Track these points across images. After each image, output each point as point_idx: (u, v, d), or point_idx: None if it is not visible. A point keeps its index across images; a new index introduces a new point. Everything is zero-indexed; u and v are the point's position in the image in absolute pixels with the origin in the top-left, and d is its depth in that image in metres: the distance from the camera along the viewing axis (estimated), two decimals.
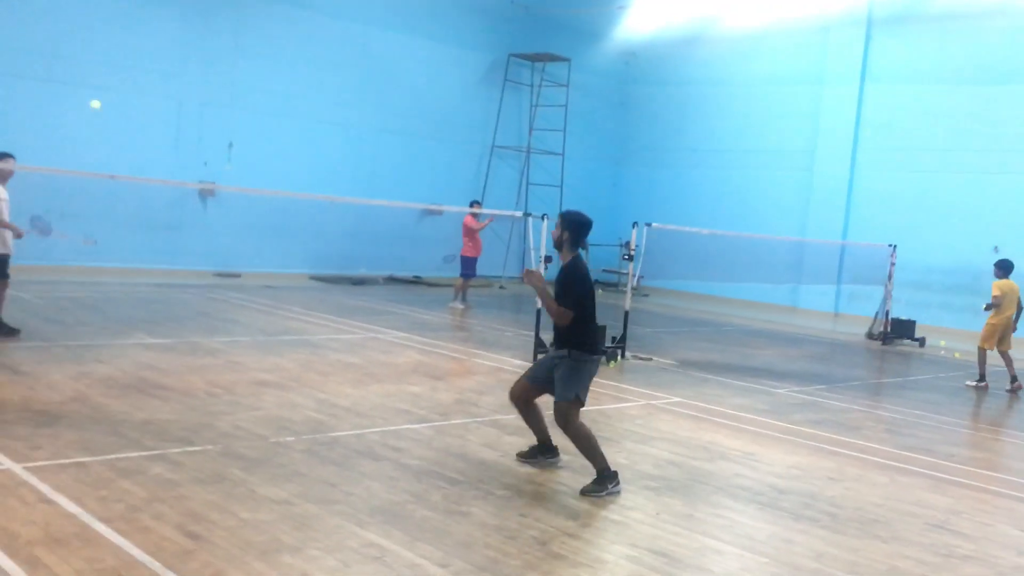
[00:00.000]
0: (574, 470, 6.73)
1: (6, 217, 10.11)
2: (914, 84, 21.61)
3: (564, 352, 6.38)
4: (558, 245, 6.59)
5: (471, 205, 18.85)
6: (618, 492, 6.17)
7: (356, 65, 21.74)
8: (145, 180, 16.12)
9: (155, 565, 4.40)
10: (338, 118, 21.50)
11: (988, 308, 12.56)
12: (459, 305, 17.29)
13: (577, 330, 6.34)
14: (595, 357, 6.47)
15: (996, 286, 12.45)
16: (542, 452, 6.80)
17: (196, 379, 8.84)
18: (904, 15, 21.87)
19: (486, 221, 18.37)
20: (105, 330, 11.43)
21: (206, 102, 19.34)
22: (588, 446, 6.29)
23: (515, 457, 6.82)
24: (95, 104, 15.29)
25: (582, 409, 6.44)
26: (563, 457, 6.81)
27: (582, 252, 6.55)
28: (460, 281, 17.66)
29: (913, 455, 8.21)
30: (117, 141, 17.76)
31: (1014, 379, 12.43)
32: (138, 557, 4.48)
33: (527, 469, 6.67)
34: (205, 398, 8.07)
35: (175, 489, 5.55)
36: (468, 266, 17.72)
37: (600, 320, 12.47)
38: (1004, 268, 12.56)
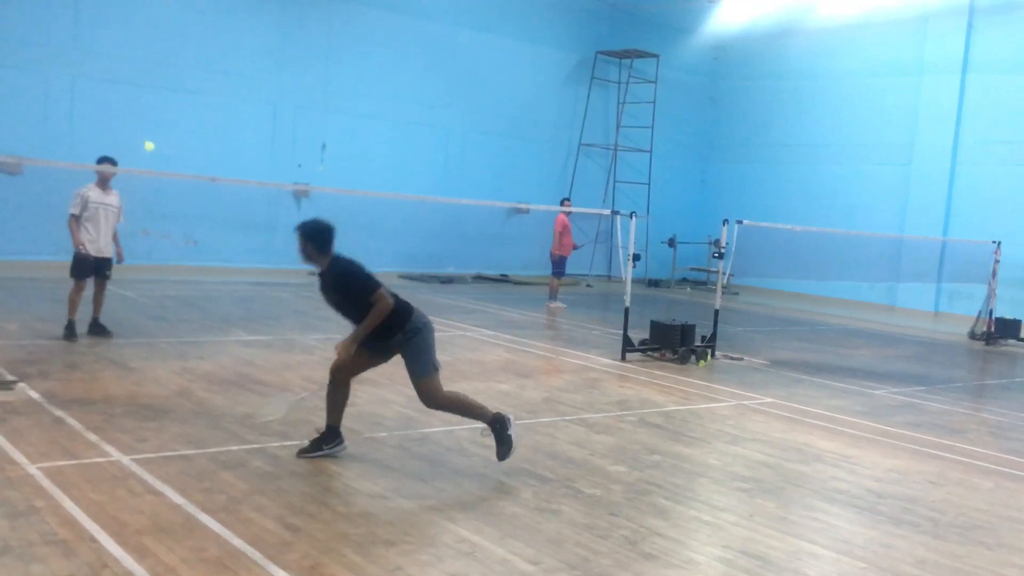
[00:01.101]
0: (664, 470, 6.68)
1: (112, 222, 10.40)
2: (1018, 74, 20.71)
3: (399, 337, 6.17)
4: (310, 259, 6.44)
5: (562, 203, 18.92)
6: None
7: (445, 66, 22.00)
8: (243, 182, 16.67)
9: (256, 555, 4.54)
10: (427, 119, 21.78)
11: None
12: (560, 304, 17.39)
13: (393, 312, 6.14)
14: (425, 323, 6.27)
15: None
16: (330, 439, 6.37)
17: (292, 375, 9.08)
18: (1008, 2, 20.98)
19: (580, 244, 18.90)
20: (206, 327, 11.84)
21: (300, 105, 19.85)
22: (464, 406, 6.31)
23: (296, 455, 6.31)
24: (149, 146, 15.63)
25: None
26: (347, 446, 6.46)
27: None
28: (554, 280, 17.76)
29: (1019, 459, 7.89)
30: (215, 144, 18.38)
31: None
32: (240, 547, 4.63)
33: (617, 468, 6.65)
34: (301, 394, 8.27)
35: (274, 482, 5.72)
36: (559, 265, 17.80)
37: (690, 319, 12.46)
38: None
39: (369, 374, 9.34)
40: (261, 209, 19.08)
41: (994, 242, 17.16)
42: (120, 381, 8.32)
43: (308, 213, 21.70)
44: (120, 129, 16.99)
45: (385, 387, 8.86)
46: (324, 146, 20.07)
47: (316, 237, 6.38)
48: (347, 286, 6.22)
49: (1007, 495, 6.76)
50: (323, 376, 9.09)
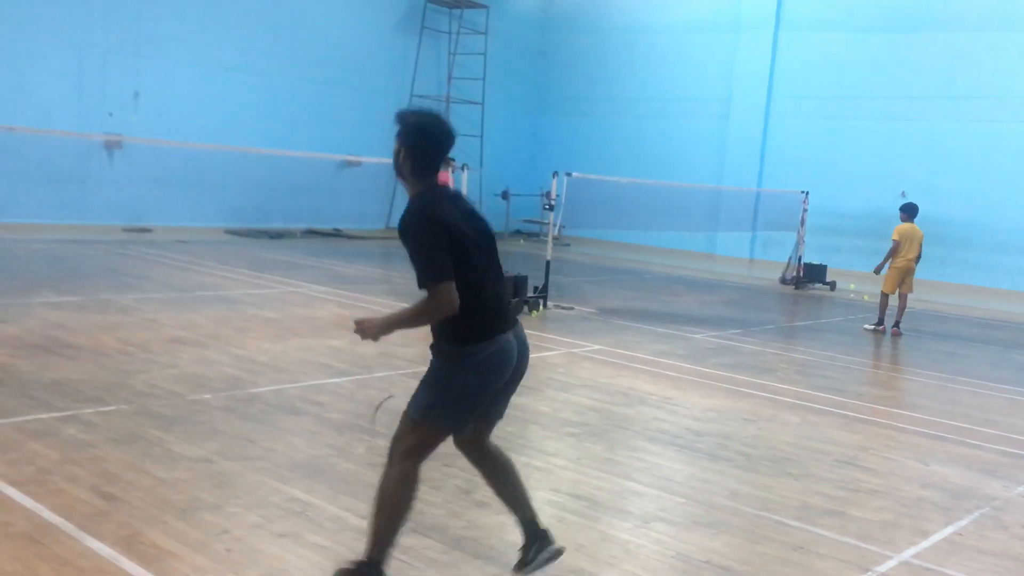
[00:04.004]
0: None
1: None
2: (827, 31, 22.02)
3: (442, 349, 3.85)
4: (400, 175, 3.84)
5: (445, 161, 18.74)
6: None
7: (267, 10, 21.10)
8: (46, 132, 15.47)
9: (69, 527, 4.29)
10: (249, 66, 20.88)
11: (877, 270, 12.88)
12: None
13: (458, 319, 3.69)
14: (489, 356, 3.75)
15: (896, 230, 12.76)
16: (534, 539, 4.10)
17: (108, 337, 8.59)
18: None
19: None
20: (9, 288, 11.00)
21: (109, 49, 18.55)
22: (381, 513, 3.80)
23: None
24: None
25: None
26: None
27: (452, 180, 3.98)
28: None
29: (824, 395, 8.51)
30: (14, 91, 16.94)
31: (897, 323, 12.71)
32: (51, 520, 4.36)
33: None
34: (118, 357, 7.86)
35: (88, 450, 5.41)
36: None
37: (523, 270, 12.65)
38: (908, 212, 12.87)
39: (190, 333, 9.02)
40: (68, 161, 17.83)
41: (803, 192, 18.30)
42: None
43: (121, 165, 20.57)
44: None
45: (210, 347, 8.53)
46: (137, 94, 18.89)
47: (417, 145, 3.76)
48: (406, 246, 3.70)
49: (811, 428, 7.29)
50: (141, 337, 8.68)
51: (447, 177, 17.91)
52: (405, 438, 3.84)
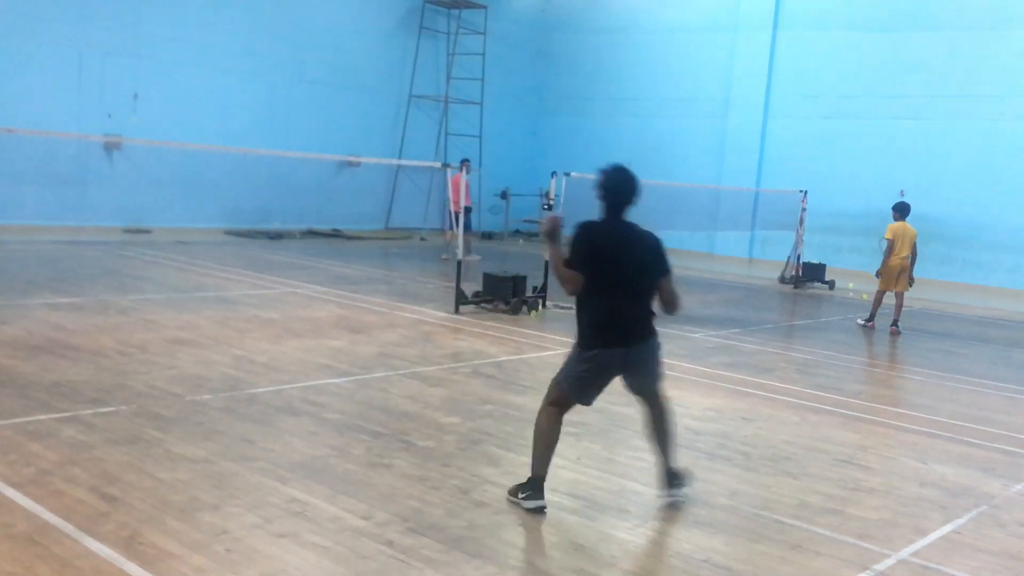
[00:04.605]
0: (496, 419, 6.79)
1: None
2: (825, 31, 22.03)
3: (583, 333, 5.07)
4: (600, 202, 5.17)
5: (461, 164, 18.94)
6: (533, 506, 4.95)
7: (266, 12, 21.12)
8: (45, 133, 15.48)
9: (69, 528, 4.30)
10: (249, 67, 20.90)
11: (879, 274, 12.91)
12: (475, 256, 17.45)
13: (579, 313, 5.06)
14: (594, 349, 4.99)
15: (888, 229, 12.82)
16: (666, 480, 5.31)
17: (107, 339, 8.60)
18: None
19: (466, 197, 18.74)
20: (9, 290, 11.01)
21: (108, 51, 18.56)
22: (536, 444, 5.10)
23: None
24: None
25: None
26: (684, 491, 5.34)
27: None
28: (446, 233, 18.00)
29: (823, 394, 8.52)
30: (13, 93, 16.95)
31: (895, 322, 12.73)
32: (51, 521, 4.37)
33: (450, 419, 6.70)
34: (117, 358, 7.87)
35: (88, 451, 5.42)
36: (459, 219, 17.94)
37: (522, 270, 12.65)
38: (900, 210, 12.91)
39: (190, 334, 9.03)
40: (68, 163, 17.85)
41: (801, 191, 18.30)
42: None
43: (120, 166, 20.64)
44: None
45: (209, 347, 8.54)
46: (136, 95, 18.89)
47: (608, 191, 5.06)
48: (571, 242, 4.97)
49: (811, 428, 7.29)
50: (141, 338, 8.69)
51: (460, 179, 18.14)
52: (551, 392, 5.14)
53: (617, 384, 5.23)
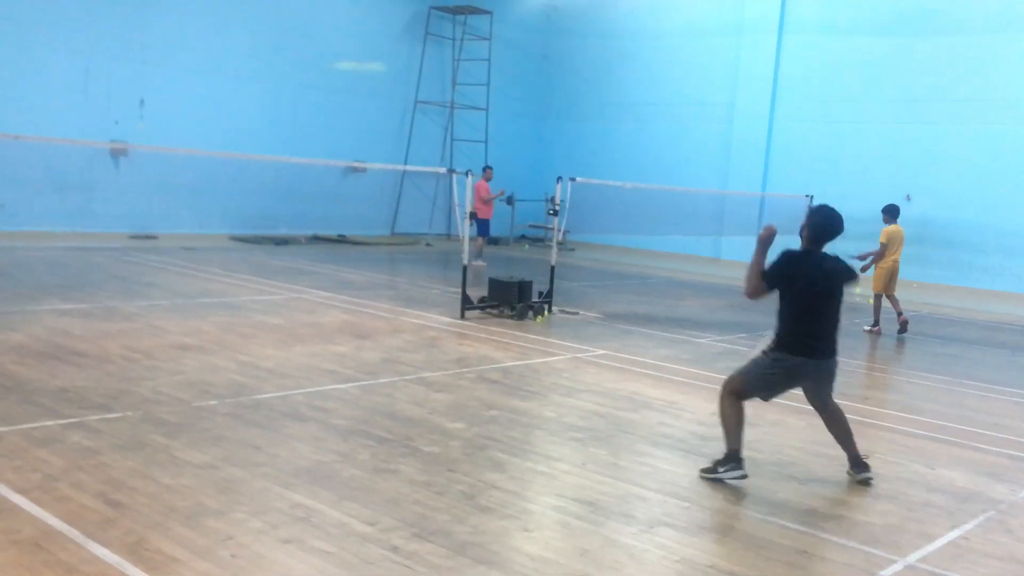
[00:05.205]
0: (502, 424, 6.79)
1: None
2: (830, 35, 22.02)
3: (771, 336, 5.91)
4: (800, 234, 6.14)
5: (484, 171, 19.23)
6: (735, 476, 5.74)
7: (272, 17, 21.19)
8: (50, 140, 15.55)
9: (75, 534, 4.31)
10: (254, 73, 20.97)
11: (864, 269, 12.91)
12: (480, 262, 17.67)
13: (780, 324, 5.86)
14: (787, 357, 5.80)
15: (883, 233, 12.87)
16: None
17: (113, 344, 8.62)
18: None
19: (498, 193, 18.94)
20: (16, 296, 11.05)
21: (115, 57, 18.64)
22: (726, 425, 5.89)
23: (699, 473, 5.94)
24: None
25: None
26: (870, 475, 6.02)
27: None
28: (479, 240, 18.27)
29: None
30: (20, 99, 17.03)
31: (900, 313, 12.81)
32: (57, 526, 4.38)
33: (455, 425, 6.70)
34: (123, 364, 7.89)
35: (94, 457, 5.43)
36: (483, 227, 18.26)
37: (528, 275, 12.65)
38: (891, 213, 12.98)
39: (195, 340, 9.04)
40: (75, 169, 17.92)
41: (807, 196, 18.26)
42: None
43: (126, 172, 20.74)
44: None
45: (215, 353, 8.56)
46: (142, 102, 18.96)
47: (815, 225, 6.02)
48: (775, 260, 5.86)
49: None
50: (146, 344, 8.71)
51: (485, 185, 18.55)
52: (735, 380, 5.92)
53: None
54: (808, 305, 5.78)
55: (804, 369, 5.84)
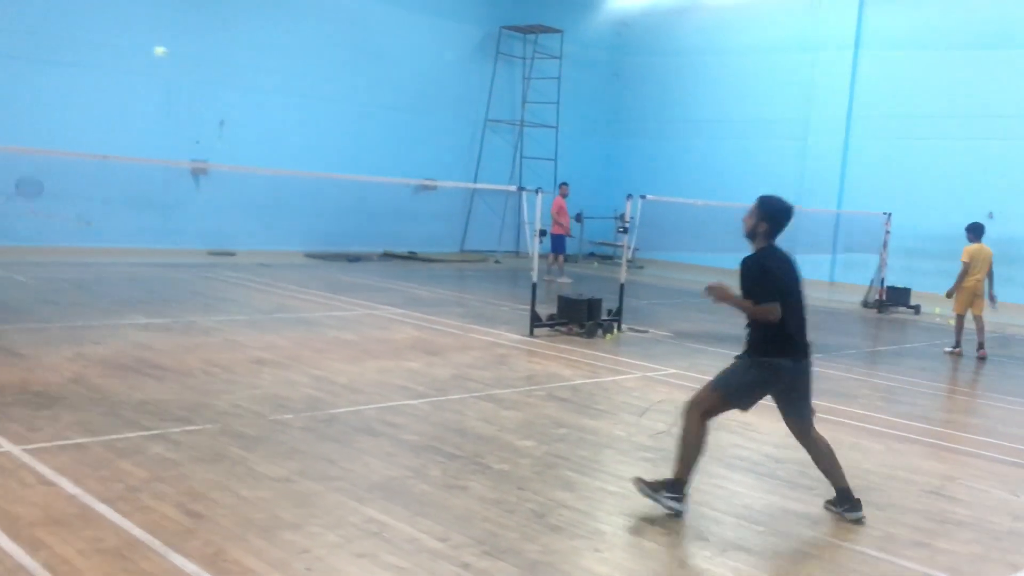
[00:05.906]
0: (571, 442, 6.77)
1: None
2: (907, 50, 21.53)
3: (756, 360, 5.46)
4: (750, 235, 5.63)
5: (560, 187, 19.55)
6: (673, 506, 5.29)
7: (347, 40, 21.61)
8: (136, 160, 16.08)
9: (156, 544, 4.43)
10: (330, 94, 21.39)
11: (949, 294, 12.52)
12: (565, 279, 17.88)
13: (774, 332, 5.40)
14: (769, 360, 5.43)
15: (965, 251, 12.42)
16: (841, 502, 5.53)
17: (192, 358, 8.86)
18: None
19: (566, 225, 19.33)
20: (101, 311, 11.43)
21: (196, 79, 19.23)
22: (685, 450, 5.39)
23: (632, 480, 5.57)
24: (159, 51, 15.28)
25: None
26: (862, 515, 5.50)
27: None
28: (558, 258, 18.69)
29: (908, 422, 8.26)
30: (106, 120, 17.67)
31: (980, 345, 12.37)
32: (139, 536, 4.51)
33: (525, 442, 6.70)
34: (202, 377, 8.09)
35: (175, 468, 5.57)
36: (558, 243, 18.67)
37: (597, 293, 12.61)
38: (975, 232, 12.53)
39: (271, 354, 9.23)
40: (157, 187, 18.48)
41: (885, 213, 17.86)
42: (11, 369, 7.97)
43: (207, 191, 21.28)
44: (3, 106, 16.22)
45: (291, 368, 8.72)
46: (223, 122, 19.51)
47: (774, 217, 5.56)
48: (749, 279, 5.46)
49: (896, 457, 7.08)
50: (224, 358, 8.93)
51: (562, 202, 18.78)
52: (707, 398, 5.43)
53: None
54: (786, 303, 5.37)
55: (785, 371, 5.43)
